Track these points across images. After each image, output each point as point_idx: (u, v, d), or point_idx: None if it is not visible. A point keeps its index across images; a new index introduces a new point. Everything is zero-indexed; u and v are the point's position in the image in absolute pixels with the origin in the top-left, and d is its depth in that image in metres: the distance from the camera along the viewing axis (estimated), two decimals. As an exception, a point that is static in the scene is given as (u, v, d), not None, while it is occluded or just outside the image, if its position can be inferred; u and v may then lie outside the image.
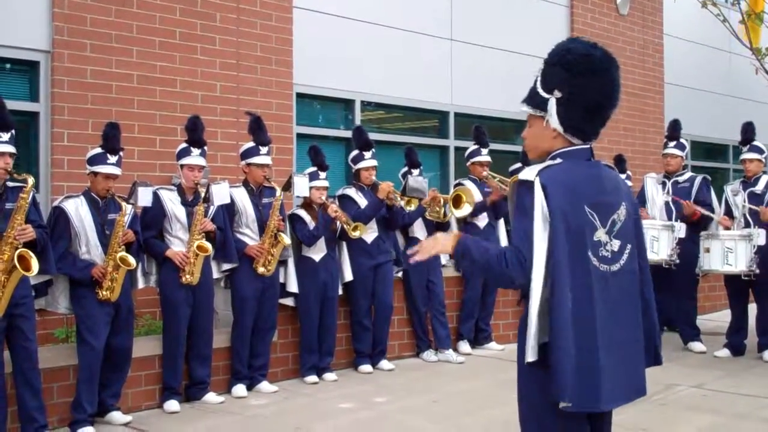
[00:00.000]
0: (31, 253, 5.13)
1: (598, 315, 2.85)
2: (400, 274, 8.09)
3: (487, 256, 2.92)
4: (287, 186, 6.99)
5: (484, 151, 8.59)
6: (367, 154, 7.71)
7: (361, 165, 7.70)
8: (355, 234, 7.28)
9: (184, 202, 6.44)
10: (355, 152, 7.80)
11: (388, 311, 7.77)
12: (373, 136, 8.24)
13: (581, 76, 2.92)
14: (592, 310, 2.84)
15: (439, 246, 3.09)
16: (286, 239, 6.87)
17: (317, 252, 7.23)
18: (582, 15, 11.60)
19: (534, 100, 3.02)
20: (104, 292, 5.76)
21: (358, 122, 9.15)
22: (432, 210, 8.06)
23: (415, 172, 8.01)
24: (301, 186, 7.03)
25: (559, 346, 2.77)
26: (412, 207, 7.79)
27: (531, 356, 2.83)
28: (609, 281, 2.91)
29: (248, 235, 6.84)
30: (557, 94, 2.95)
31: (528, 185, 2.88)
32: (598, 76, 2.93)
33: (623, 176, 9.28)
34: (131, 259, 5.85)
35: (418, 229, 8.12)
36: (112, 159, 5.90)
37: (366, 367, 7.57)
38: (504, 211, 8.31)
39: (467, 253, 2.97)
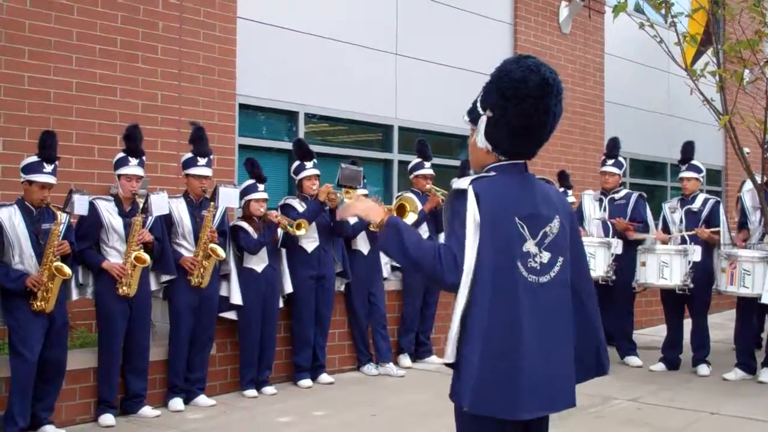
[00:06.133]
0: None
1: (525, 324, 2.88)
2: (342, 288, 8.06)
3: (419, 247, 2.93)
4: (212, 197, 6.89)
5: (427, 164, 8.64)
6: (309, 164, 7.65)
7: (304, 174, 7.62)
8: (299, 232, 7.21)
9: (122, 213, 6.34)
10: (296, 163, 7.75)
11: (326, 325, 7.73)
12: (316, 148, 8.20)
13: (511, 101, 2.94)
14: (515, 318, 2.87)
15: (370, 212, 3.11)
16: (220, 252, 6.75)
17: (259, 263, 7.17)
18: (525, 33, 11.75)
19: (472, 114, 3.09)
20: (39, 303, 5.66)
21: (302, 134, 9.11)
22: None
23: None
24: (227, 197, 6.91)
25: (463, 354, 2.86)
26: (352, 199, 7.69)
27: (448, 357, 2.91)
28: (538, 292, 2.94)
29: (185, 246, 6.76)
30: (489, 113, 3.00)
31: (462, 193, 2.93)
32: (528, 103, 2.93)
33: (569, 192, 9.49)
34: (66, 269, 5.75)
35: (362, 242, 8.11)
36: (48, 168, 5.82)
37: (306, 382, 7.50)
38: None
39: (398, 234, 2.97)
